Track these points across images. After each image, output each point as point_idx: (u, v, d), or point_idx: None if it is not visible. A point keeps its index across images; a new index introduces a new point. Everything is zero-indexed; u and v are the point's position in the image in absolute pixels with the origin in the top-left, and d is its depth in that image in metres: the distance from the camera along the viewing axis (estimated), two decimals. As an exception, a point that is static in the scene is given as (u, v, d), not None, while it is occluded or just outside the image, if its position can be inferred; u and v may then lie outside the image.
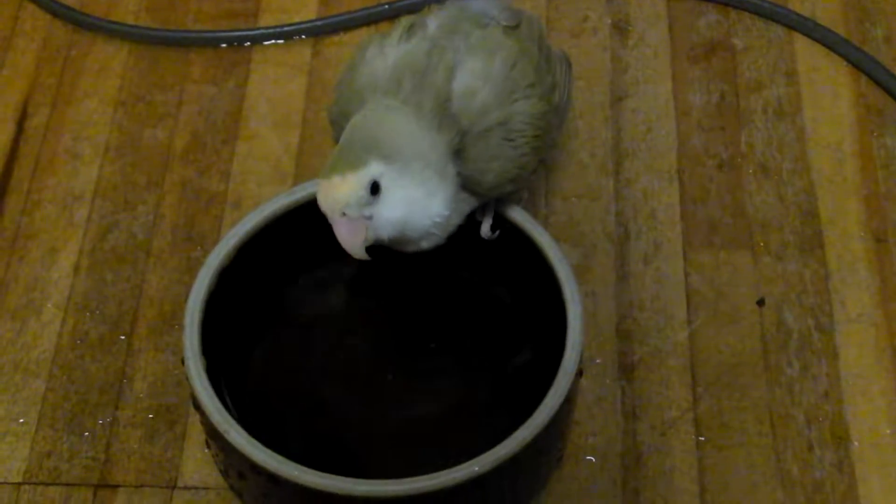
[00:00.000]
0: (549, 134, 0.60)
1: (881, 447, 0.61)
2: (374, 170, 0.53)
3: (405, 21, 0.59)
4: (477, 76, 0.56)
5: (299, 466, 0.52)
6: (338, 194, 0.53)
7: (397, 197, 0.54)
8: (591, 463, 0.60)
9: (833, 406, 0.62)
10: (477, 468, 0.52)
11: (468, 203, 0.57)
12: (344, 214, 0.54)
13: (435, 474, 0.51)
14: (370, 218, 0.54)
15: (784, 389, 0.63)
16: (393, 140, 0.54)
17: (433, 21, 0.59)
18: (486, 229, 0.59)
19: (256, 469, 0.53)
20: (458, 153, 0.56)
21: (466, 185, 0.57)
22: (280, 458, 0.52)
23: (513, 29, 0.59)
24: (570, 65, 0.65)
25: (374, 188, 0.54)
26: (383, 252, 0.57)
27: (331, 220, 0.54)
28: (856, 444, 0.61)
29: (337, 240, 0.55)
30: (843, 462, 0.60)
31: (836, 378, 0.63)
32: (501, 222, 0.60)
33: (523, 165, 0.58)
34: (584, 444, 0.61)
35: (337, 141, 0.58)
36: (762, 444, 0.61)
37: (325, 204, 0.54)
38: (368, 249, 0.55)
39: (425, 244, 0.57)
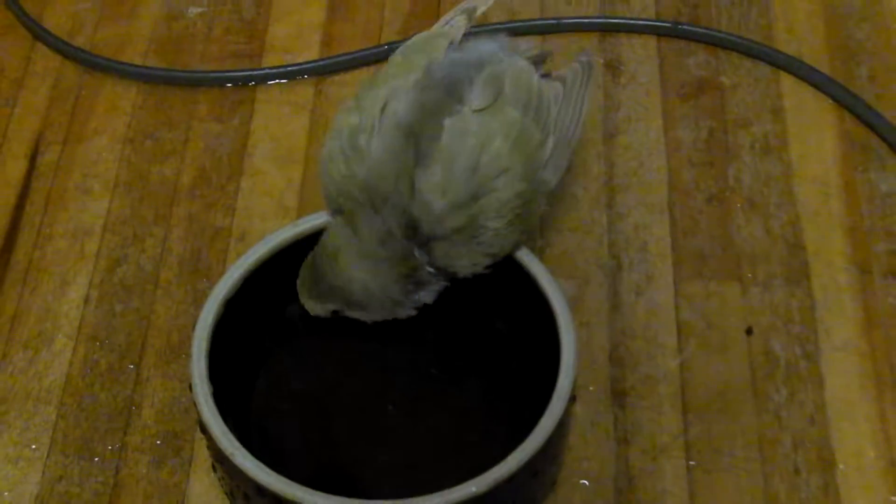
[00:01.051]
0: (533, 205, 0.60)
1: (865, 471, 0.62)
2: (335, 306, 0.61)
3: (381, 95, 0.59)
4: (434, 189, 0.57)
5: (304, 488, 0.54)
6: (313, 307, 0.61)
7: (357, 311, 0.61)
8: (584, 487, 0.62)
9: (819, 431, 0.64)
10: (474, 489, 0.53)
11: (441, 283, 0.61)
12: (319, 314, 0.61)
13: (433, 495, 0.53)
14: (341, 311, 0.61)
15: (772, 415, 0.64)
16: (353, 290, 0.59)
17: (404, 102, 0.58)
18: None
19: (262, 491, 0.54)
20: (426, 250, 0.58)
21: (440, 269, 0.59)
22: (285, 480, 0.54)
23: (488, 108, 0.59)
24: (589, 74, 0.64)
25: (336, 312, 0.61)
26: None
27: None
28: (841, 467, 0.62)
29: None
30: (828, 485, 0.62)
31: (822, 404, 0.65)
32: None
33: (497, 251, 0.59)
34: (578, 469, 0.63)
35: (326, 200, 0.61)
36: (750, 467, 0.63)
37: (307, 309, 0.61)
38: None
39: (401, 312, 0.62)
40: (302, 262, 0.62)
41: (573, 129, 0.63)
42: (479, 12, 0.66)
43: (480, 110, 0.58)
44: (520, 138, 0.59)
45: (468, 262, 0.59)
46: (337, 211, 0.60)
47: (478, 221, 0.58)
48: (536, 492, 0.59)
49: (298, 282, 0.61)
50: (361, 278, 0.59)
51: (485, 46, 0.62)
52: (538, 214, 0.62)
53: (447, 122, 0.58)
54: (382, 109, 0.58)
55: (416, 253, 0.58)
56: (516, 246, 0.60)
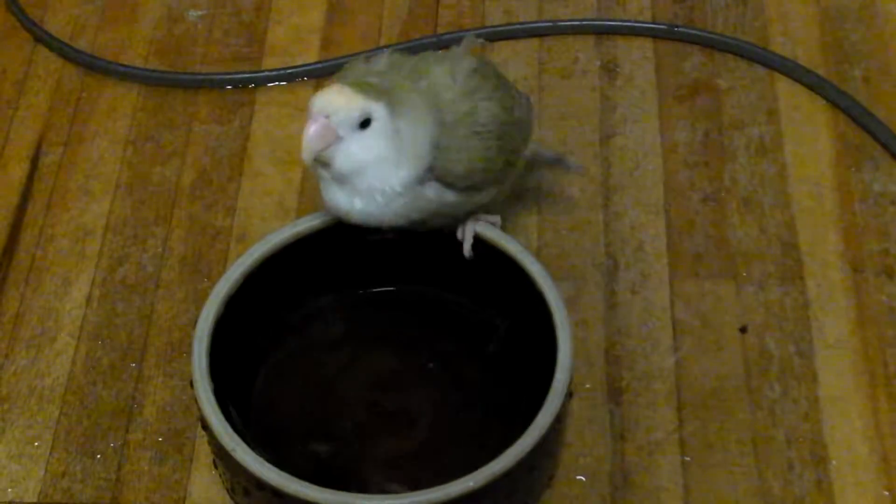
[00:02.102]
0: (513, 142, 0.63)
1: (858, 466, 0.63)
2: (376, 108, 0.57)
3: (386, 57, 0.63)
4: (446, 76, 0.60)
5: (303, 482, 0.54)
6: (335, 99, 0.57)
7: (371, 142, 0.58)
8: (581, 482, 0.63)
9: (812, 427, 0.64)
10: (472, 483, 0.54)
11: (430, 202, 0.60)
12: (327, 117, 0.57)
13: (431, 489, 0.54)
14: (340, 140, 0.57)
15: (766, 412, 0.65)
16: (405, 103, 0.58)
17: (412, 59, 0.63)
18: (467, 248, 0.62)
19: (262, 486, 0.55)
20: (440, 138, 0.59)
21: (440, 176, 0.60)
22: (285, 474, 0.54)
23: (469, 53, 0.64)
24: (529, 99, 0.68)
25: (365, 123, 0.57)
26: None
27: (309, 116, 0.57)
28: (834, 462, 0.63)
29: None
30: (822, 480, 0.63)
31: (816, 401, 0.65)
32: (495, 253, 0.62)
33: (490, 160, 0.61)
34: (574, 465, 0.63)
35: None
36: (745, 463, 0.63)
37: (318, 101, 0.57)
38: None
39: (359, 204, 0.59)
40: (302, 261, 0.62)
41: (526, 116, 0.67)
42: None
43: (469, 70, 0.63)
44: (499, 84, 0.63)
45: (467, 159, 0.60)
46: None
47: (479, 114, 0.60)
48: (533, 487, 0.60)
49: (344, 73, 0.61)
50: (414, 101, 0.59)
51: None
52: (518, 160, 0.65)
53: (443, 52, 0.63)
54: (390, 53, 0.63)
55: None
56: (503, 173, 0.63)
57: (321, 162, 0.58)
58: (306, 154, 0.57)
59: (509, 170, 0.64)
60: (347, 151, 0.57)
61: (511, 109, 0.63)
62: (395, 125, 0.58)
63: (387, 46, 0.81)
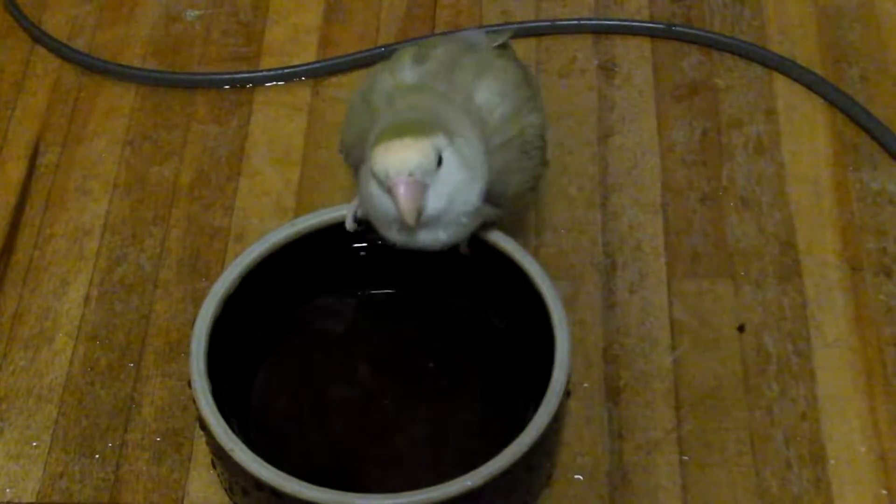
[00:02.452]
0: (547, 146, 0.63)
1: (856, 465, 0.63)
2: (441, 141, 0.55)
3: (408, 51, 0.61)
4: (494, 93, 0.59)
5: (301, 482, 0.54)
6: (409, 155, 0.54)
7: (453, 174, 0.56)
8: (579, 481, 0.63)
9: (810, 426, 0.64)
10: (470, 483, 0.54)
11: (482, 215, 0.59)
12: (411, 175, 0.54)
13: (430, 488, 0.54)
14: (427, 187, 0.55)
15: (764, 411, 0.65)
16: (452, 121, 0.57)
17: (435, 49, 0.61)
18: (464, 246, 0.62)
19: (260, 486, 0.55)
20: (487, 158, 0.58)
21: (489, 197, 0.59)
22: (283, 474, 0.55)
23: (503, 48, 0.63)
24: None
25: (439, 160, 0.55)
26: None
27: (391, 183, 0.54)
28: (832, 461, 0.63)
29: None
30: (820, 479, 0.63)
31: (814, 400, 0.65)
32: (493, 252, 0.62)
33: (536, 176, 0.62)
34: (573, 464, 0.63)
35: (355, 167, 0.60)
36: (743, 462, 0.63)
37: (392, 164, 0.54)
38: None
39: (444, 235, 0.58)
40: (300, 261, 0.62)
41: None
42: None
43: (500, 47, 0.63)
44: (530, 83, 0.63)
45: (519, 179, 0.60)
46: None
47: (527, 133, 0.60)
48: (532, 486, 0.60)
49: (392, 128, 0.57)
50: (461, 119, 0.58)
51: (470, 35, 0.66)
52: (544, 163, 0.64)
53: (480, 55, 0.61)
54: (414, 56, 0.61)
55: None
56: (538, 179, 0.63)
57: (405, 216, 0.55)
58: (411, 218, 0.55)
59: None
60: (436, 194, 0.55)
61: (543, 111, 0.63)
62: (458, 148, 0.56)
63: (384, 46, 0.81)
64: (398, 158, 0.54)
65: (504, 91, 0.60)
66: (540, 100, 0.63)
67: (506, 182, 0.59)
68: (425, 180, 0.55)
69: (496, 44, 0.64)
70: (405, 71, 0.60)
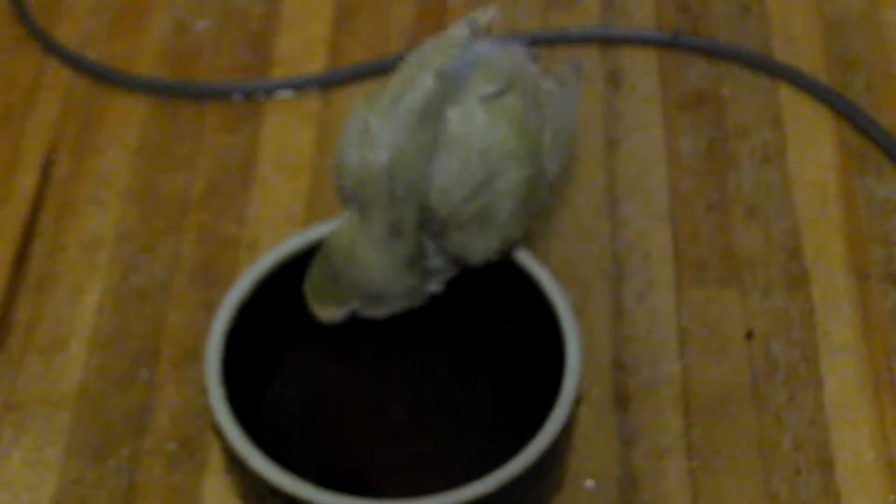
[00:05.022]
0: (539, 191, 0.60)
1: (864, 471, 0.64)
2: (353, 305, 0.62)
3: (392, 90, 0.59)
4: (451, 175, 0.57)
5: (316, 488, 0.55)
6: (317, 312, 0.62)
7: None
8: (589, 488, 0.63)
9: (818, 433, 0.65)
10: (482, 489, 0.55)
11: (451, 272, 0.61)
12: None
13: (443, 494, 0.54)
14: None
15: (772, 417, 0.66)
16: (372, 281, 0.60)
17: (418, 92, 0.58)
18: None
19: (274, 492, 0.56)
20: (441, 239, 0.59)
21: (453, 259, 0.60)
22: (298, 480, 0.55)
23: (496, 97, 0.58)
24: (579, 76, 0.63)
25: (353, 313, 0.62)
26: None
27: None
28: (840, 468, 0.64)
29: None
30: (828, 485, 0.63)
31: (822, 406, 0.66)
32: (503, 261, 0.63)
33: (511, 233, 0.59)
34: (582, 470, 0.64)
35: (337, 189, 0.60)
36: (751, 468, 0.64)
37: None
38: None
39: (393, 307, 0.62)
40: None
41: (569, 122, 0.63)
42: (481, 22, 0.66)
43: (486, 99, 0.58)
44: (522, 124, 0.59)
45: (483, 246, 0.59)
46: (349, 201, 0.59)
47: (494, 205, 0.58)
48: (542, 492, 0.61)
49: (308, 289, 0.62)
50: (380, 268, 0.59)
51: (486, 45, 0.61)
52: (542, 203, 0.61)
53: (452, 111, 0.58)
54: (397, 99, 0.59)
55: (429, 244, 0.59)
56: (525, 231, 0.61)
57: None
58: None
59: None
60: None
61: (539, 147, 0.59)
62: (380, 280, 0.61)
63: (393, 55, 0.81)
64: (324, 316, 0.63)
65: (461, 171, 0.57)
66: (534, 138, 0.59)
67: (467, 249, 0.59)
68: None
69: (492, 93, 0.58)
70: (370, 148, 0.58)
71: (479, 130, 0.58)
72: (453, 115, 0.58)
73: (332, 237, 0.61)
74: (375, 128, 0.58)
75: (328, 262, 0.61)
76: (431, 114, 0.58)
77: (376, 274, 0.60)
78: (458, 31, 0.63)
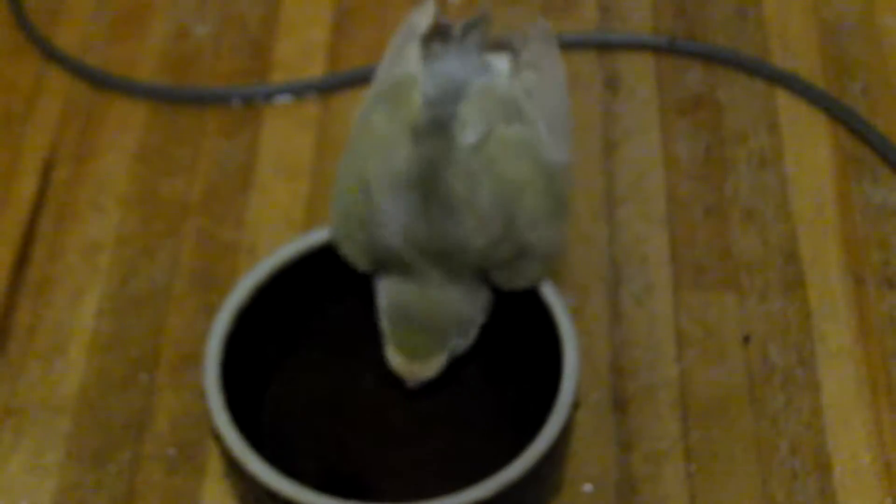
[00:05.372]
0: (557, 187, 0.60)
1: (861, 474, 0.64)
2: (450, 345, 0.60)
3: (373, 162, 0.59)
4: (471, 235, 0.58)
5: (314, 492, 0.55)
6: (422, 372, 0.60)
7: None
8: (588, 492, 0.64)
9: (815, 436, 0.65)
10: (482, 493, 0.55)
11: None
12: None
13: (442, 499, 0.55)
14: None
15: (769, 420, 0.66)
16: (457, 319, 0.60)
17: (404, 161, 0.58)
18: None
19: (274, 496, 0.56)
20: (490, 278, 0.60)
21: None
22: (296, 485, 0.55)
23: (483, 140, 0.58)
24: (551, 40, 0.64)
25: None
26: None
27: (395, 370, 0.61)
28: (837, 470, 0.64)
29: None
30: (825, 488, 0.64)
31: (819, 409, 0.66)
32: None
33: (548, 255, 0.60)
34: (581, 474, 0.64)
35: (356, 263, 0.60)
36: (749, 472, 0.64)
37: (408, 377, 0.60)
38: None
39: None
40: (312, 276, 0.63)
41: (558, 96, 0.63)
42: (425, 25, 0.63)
43: (474, 147, 0.58)
44: (519, 147, 0.59)
45: (528, 277, 0.61)
46: (380, 269, 0.60)
47: (525, 239, 0.59)
48: (541, 496, 0.61)
49: (403, 358, 0.60)
50: (461, 298, 0.59)
51: (454, 72, 0.61)
52: (568, 193, 0.62)
53: (448, 171, 0.57)
54: (385, 173, 0.58)
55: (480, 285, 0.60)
56: (564, 237, 0.62)
57: None
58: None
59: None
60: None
61: (543, 163, 0.59)
62: (463, 334, 0.60)
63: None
64: (413, 375, 0.60)
65: (482, 221, 0.58)
66: (540, 156, 0.60)
67: (516, 284, 0.61)
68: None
69: (472, 141, 0.58)
70: (379, 226, 0.59)
71: (483, 186, 0.58)
72: (453, 173, 0.57)
73: (392, 307, 0.60)
74: (381, 210, 0.58)
75: (410, 323, 0.59)
76: (427, 178, 0.57)
77: (460, 305, 0.59)
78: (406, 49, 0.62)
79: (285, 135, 0.79)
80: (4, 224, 0.74)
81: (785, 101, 0.80)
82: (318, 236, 0.63)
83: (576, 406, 0.59)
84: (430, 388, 0.62)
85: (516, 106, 0.60)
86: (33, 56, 0.83)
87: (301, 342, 0.65)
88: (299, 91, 0.81)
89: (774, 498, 0.63)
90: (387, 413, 0.63)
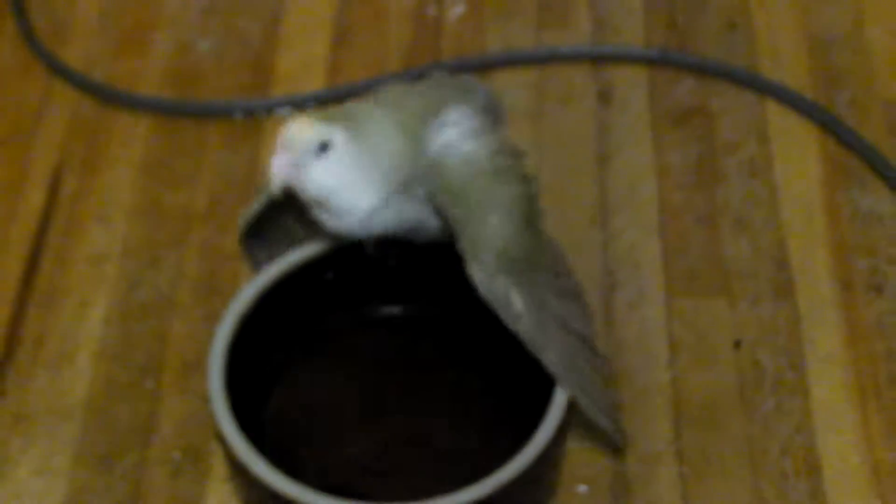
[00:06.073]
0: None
1: (850, 475, 0.65)
2: (333, 133, 0.59)
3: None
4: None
5: (317, 493, 0.56)
6: (292, 130, 0.59)
7: (333, 169, 0.59)
8: (583, 493, 0.65)
9: (806, 438, 0.66)
10: (479, 492, 0.56)
11: (422, 219, 0.61)
12: (287, 148, 0.58)
13: (441, 498, 0.56)
14: (305, 167, 0.59)
15: (760, 424, 0.67)
16: (368, 124, 0.60)
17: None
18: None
19: (277, 498, 0.57)
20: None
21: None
22: (299, 486, 0.57)
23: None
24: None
25: (323, 146, 0.58)
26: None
27: (278, 145, 0.59)
28: (827, 472, 0.65)
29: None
30: (815, 489, 0.65)
31: (808, 413, 0.67)
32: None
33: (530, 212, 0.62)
34: (576, 476, 0.65)
35: None
36: (741, 474, 0.65)
37: (280, 135, 0.59)
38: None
39: (345, 224, 0.60)
40: (312, 282, 0.65)
41: None
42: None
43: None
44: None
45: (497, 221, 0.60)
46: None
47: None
48: (537, 497, 0.62)
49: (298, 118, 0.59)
50: (388, 132, 0.60)
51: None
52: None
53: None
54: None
55: None
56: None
57: (295, 192, 0.59)
58: (274, 186, 0.59)
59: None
60: (312, 178, 0.59)
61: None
62: (356, 148, 0.59)
63: (390, 74, 0.83)
64: (286, 131, 0.59)
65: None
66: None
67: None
68: (301, 159, 0.58)
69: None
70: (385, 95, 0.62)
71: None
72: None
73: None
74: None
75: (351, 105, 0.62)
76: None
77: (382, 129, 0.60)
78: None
79: (286, 147, 0.80)
80: (13, 236, 0.76)
81: (774, 112, 0.81)
82: (319, 245, 0.65)
83: (570, 408, 0.61)
84: (431, 390, 0.64)
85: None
86: (40, 72, 0.85)
87: (303, 348, 0.67)
88: (300, 104, 0.82)
89: (766, 499, 0.64)
90: (386, 417, 0.65)
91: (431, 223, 0.62)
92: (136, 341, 0.71)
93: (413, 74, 0.80)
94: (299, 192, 0.60)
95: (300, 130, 0.59)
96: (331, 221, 0.61)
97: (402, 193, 0.60)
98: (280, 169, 0.59)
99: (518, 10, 0.87)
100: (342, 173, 0.59)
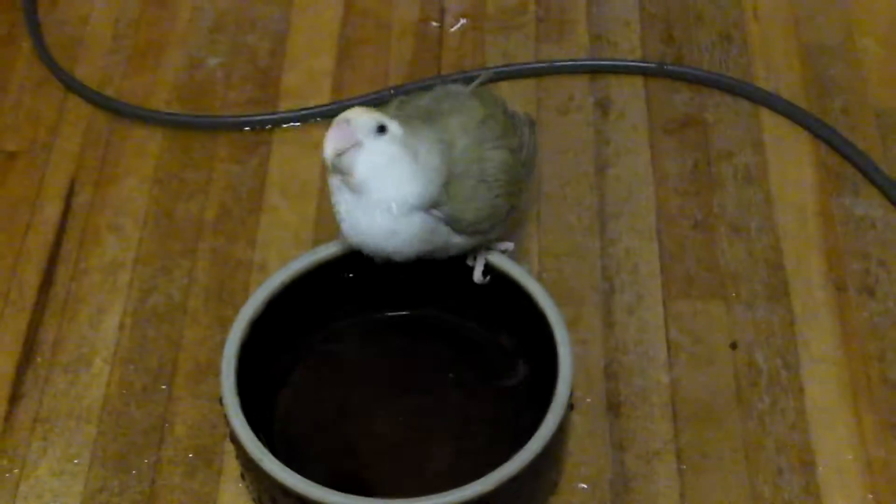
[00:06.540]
0: (519, 184, 0.67)
1: (844, 471, 0.67)
2: (391, 123, 0.61)
3: (394, 101, 0.66)
4: (457, 128, 0.64)
5: (325, 489, 0.58)
6: (354, 112, 0.61)
7: (390, 150, 0.61)
8: (583, 489, 0.66)
9: (800, 436, 0.68)
10: (482, 487, 0.58)
11: (443, 237, 0.64)
12: (348, 123, 0.61)
13: (446, 493, 0.58)
14: (360, 144, 0.61)
15: (756, 422, 0.69)
16: (417, 129, 0.62)
17: (419, 101, 0.66)
18: (478, 275, 0.66)
19: (287, 493, 0.59)
20: (444, 190, 0.63)
21: (450, 223, 0.64)
22: (308, 482, 0.58)
23: (480, 91, 0.67)
24: (534, 124, 0.71)
25: (381, 129, 0.61)
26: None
27: (335, 122, 0.61)
28: (821, 468, 0.67)
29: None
30: (809, 485, 0.66)
31: (803, 411, 0.69)
32: (500, 277, 0.67)
33: (496, 206, 0.65)
34: (577, 473, 0.67)
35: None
36: (737, 470, 0.67)
37: (347, 112, 0.61)
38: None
39: (380, 219, 0.62)
40: (320, 286, 0.67)
41: (532, 152, 0.70)
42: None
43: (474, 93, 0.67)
44: (505, 128, 0.66)
45: (475, 207, 0.64)
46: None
47: (487, 165, 0.64)
48: (538, 493, 0.64)
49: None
50: (428, 137, 0.63)
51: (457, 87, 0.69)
52: (520, 197, 0.68)
53: (453, 99, 0.66)
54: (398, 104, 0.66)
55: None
56: (508, 213, 0.66)
57: (341, 170, 0.61)
58: (328, 151, 0.60)
59: (515, 209, 0.68)
60: (366, 156, 0.61)
61: (518, 151, 0.67)
62: (411, 141, 0.62)
63: (393, 87, 0.85)
64: (352, 110, 0.62)
65: (466, 127, 0.64)
66: (515, 140, 0.67)
67: (463, 209, 0.63)
68: (358, 134, 0.61)
69: (471, 88, 0.68)
70: (389, 112, 0.65)
71: (473, 107, 0.65)
72: (451, 100, 0.65)
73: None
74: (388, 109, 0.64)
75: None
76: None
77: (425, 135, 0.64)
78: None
79: (293, 159, 0.82)
80: (31, 247, 0.78)
81: (769, 121, 0.83)
82: (326, 250, 0.67)
83: (570, 407, 0.62)
84: (434, 390, 0.65)
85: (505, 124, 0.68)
86: (55, 88, 0.87)
87: (311, 351, 0.69)
88: (306, 118, 0.84)
89: (761, 494, 0.66)
90: (392, 417, 0.66)
91: (444, 253, 0.65)
92: (150, 346, 0.73)
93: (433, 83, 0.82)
94: (344, 171, 0.61)
95: (360, 113, 0.61)
96: (356, 228, 0.62)
97: (425, 212, 0.63)
98: (336, 140, 0.60)
99: (518, 24, 0.89)
100: (392, 158, 0.61)
